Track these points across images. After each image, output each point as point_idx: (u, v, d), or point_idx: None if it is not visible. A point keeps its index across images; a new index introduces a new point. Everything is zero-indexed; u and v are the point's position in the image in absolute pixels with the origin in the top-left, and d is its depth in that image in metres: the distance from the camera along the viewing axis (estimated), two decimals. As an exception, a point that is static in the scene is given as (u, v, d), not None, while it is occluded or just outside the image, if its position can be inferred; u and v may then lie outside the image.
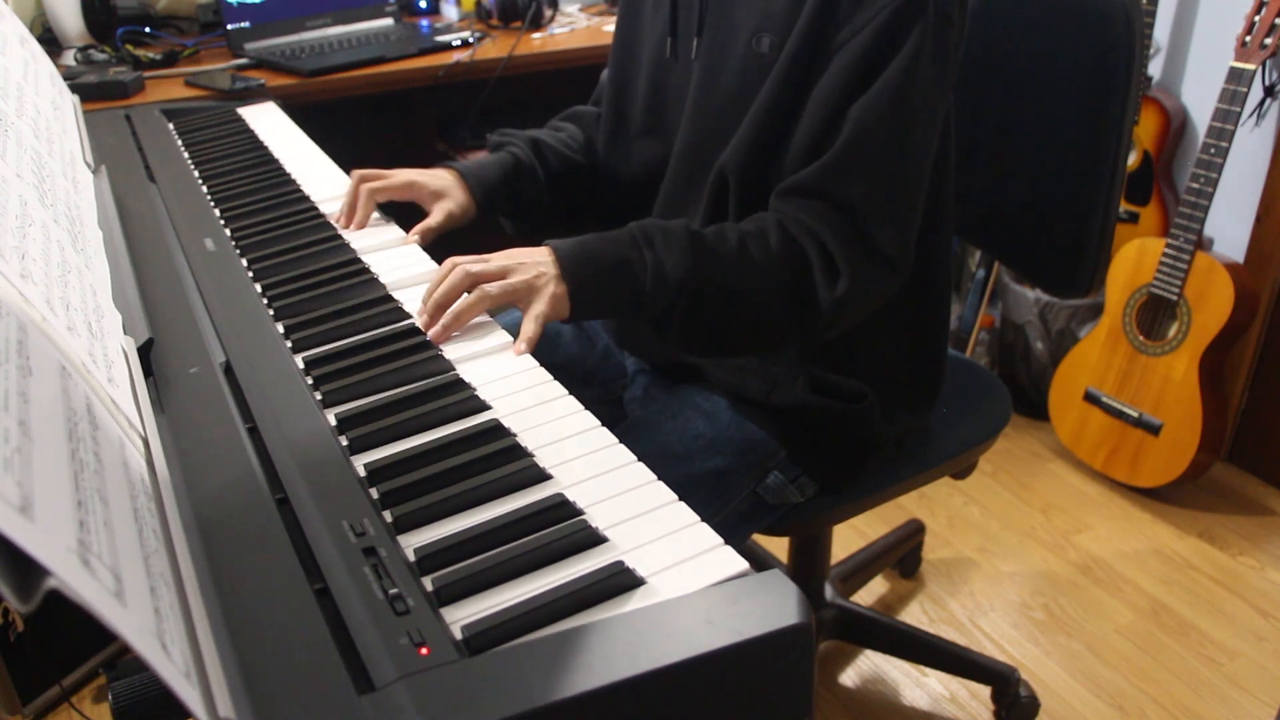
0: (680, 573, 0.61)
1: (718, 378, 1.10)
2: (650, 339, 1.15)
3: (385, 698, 0.52)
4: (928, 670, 1.64)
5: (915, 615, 1.76)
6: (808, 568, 1.51)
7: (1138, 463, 1.99)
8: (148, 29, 2.03)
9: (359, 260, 1.04)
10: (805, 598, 0.58)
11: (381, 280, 1.00)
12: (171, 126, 1.47)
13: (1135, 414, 1.97)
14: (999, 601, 1.78)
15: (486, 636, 0.56)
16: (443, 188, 1.15)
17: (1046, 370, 2.20)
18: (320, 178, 1.28)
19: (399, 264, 1.04)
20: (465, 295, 0.91)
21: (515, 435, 0.75)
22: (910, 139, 0.95)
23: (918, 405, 1.17)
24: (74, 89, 1.41)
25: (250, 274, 1.01)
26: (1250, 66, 1.75)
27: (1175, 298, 1.88)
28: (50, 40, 1.99)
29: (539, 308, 0.90)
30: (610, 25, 2.19)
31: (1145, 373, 1.95)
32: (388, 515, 0.66)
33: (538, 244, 0.95)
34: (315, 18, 2.07)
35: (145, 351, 0.81)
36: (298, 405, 0.78)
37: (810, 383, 1.07)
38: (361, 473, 0.71)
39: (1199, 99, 2.05)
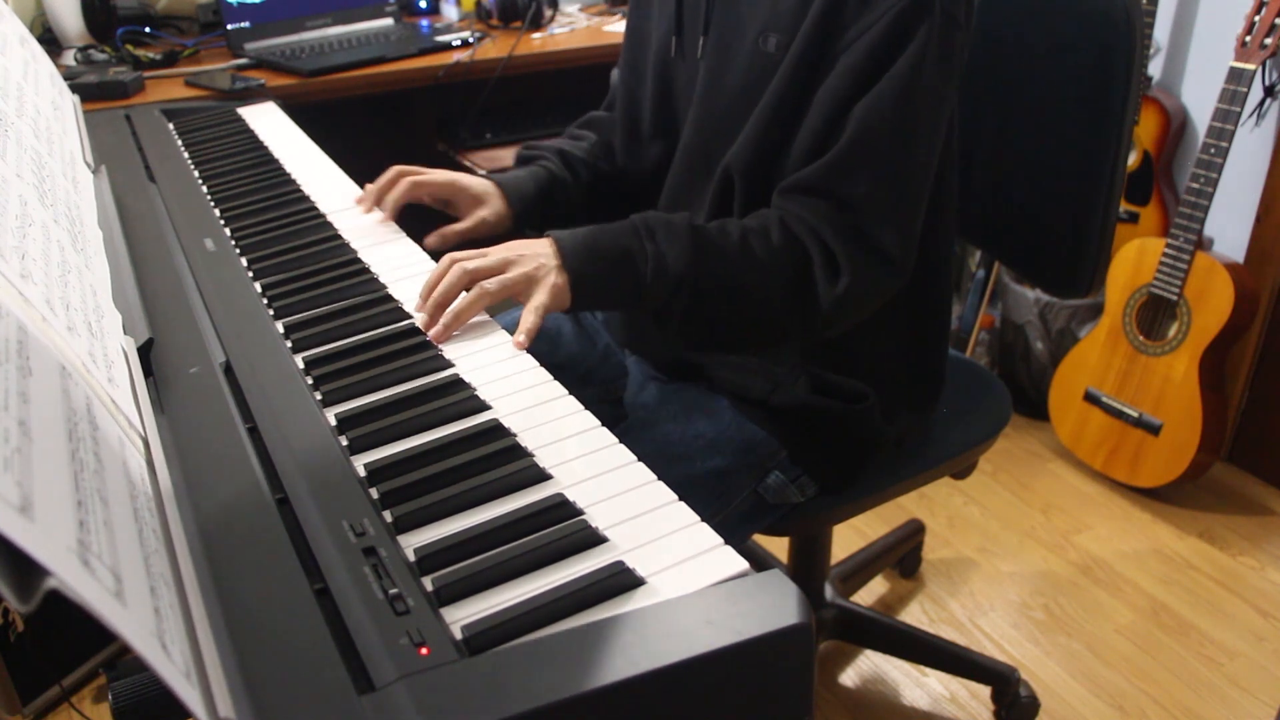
0: (680, 573, 0.61)
1: (719, 377, 1.10)
2: (651, 338, 1.15)
3: (385, 698, 0.52)
4: (928, 670, 1.64)
5: (915, 615, 1.76)
6: (808, 568, 1.51)
7: (1138, 463, 1.99)
8: (148, 29, 2.03)
9: (359, 260, 1.04)
10: (805, 598, 0.58)
11: (381, 280, 1.00)
12: (171, 126, 1.47)
13: (1135, 414, 1.97)
14: (999, 601, 1.78)
15: (486, 636, 0.56)
16: (483, 193, 1.14)
17: (1046, 370, 2.20)
18: (320, 178, 1.28)
19: (399, 264, 1.04)
20: (464, 293, 0.91)
21: (515, 435, 0.75)
22: (914, 139, 0.95)
23: (918, 406, 1.17)
24: (74, 89, 1.41)
25: (250, 274, 1.01)
26: (1250, 66, 1.75)
27: (1175, 298, 1.88)
28: (50, 40, 1.99)
29: (539, 299, 0.89)
30: (610, 25, 2.19)
31: (1145, 373, 1.95)
32: (388, 515, 0.66)
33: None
34: (315, 18, 2.07)
35: (145, 351, 0.81)
36: (298, 405, 0.78)
37: (811, 383, 1.07)
38: (361, 473, 0.71)
39: (1199, 99, 2.05)
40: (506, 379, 0.83)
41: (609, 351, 1.25)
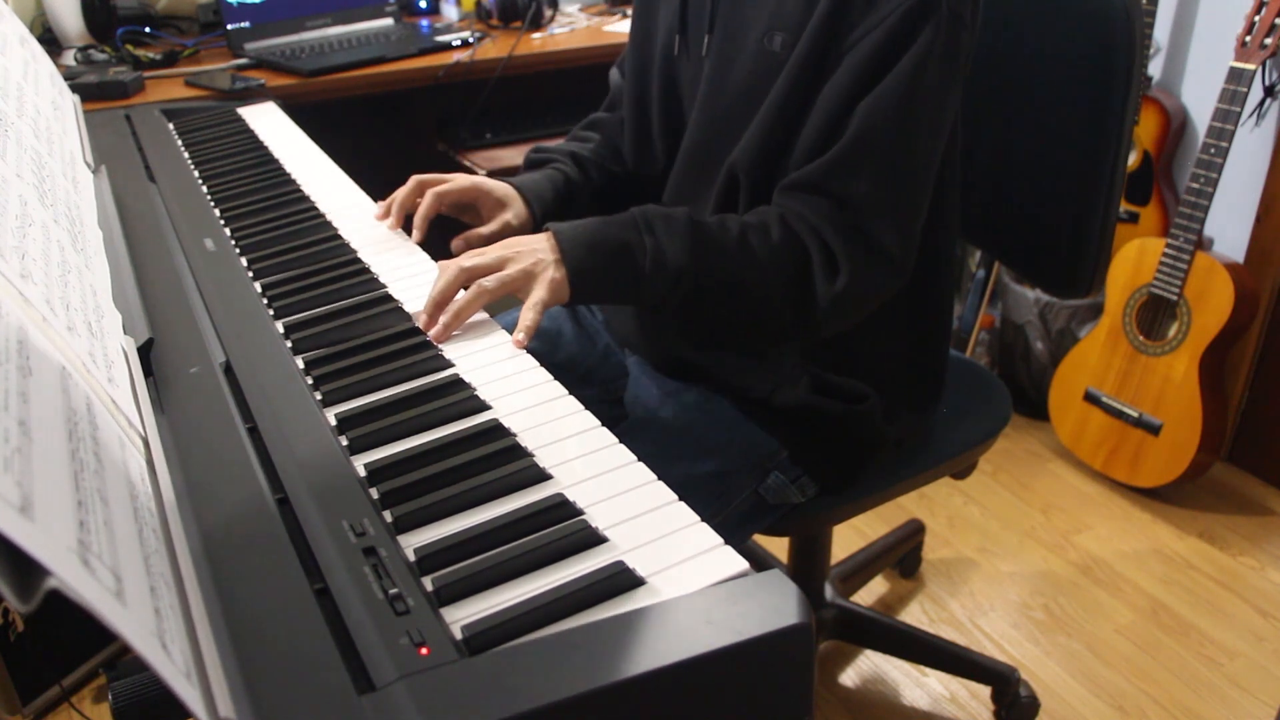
0: (680, 573, 0.61)
1: (719, 378, 1.10)
2: (651, 338, 1.15)
3: (385, 698, 0.52)
4: (928, 670, 1.64)
5: (915, 615, 1.76)
6: (808, 568, 1.51)
7: (1138, 463, 1.99)
8: (148, 29, 2.03)
9: (359, 260, 1.04)
10: (805, 598, 0.58)
11: (381, 280, 1.00)
12: (171, 126, 1.47)
13: (1135, 414, 1.97)
14: (999, 601, 1.78)
15: (486, 636, 0.56)
16: (506, 196, 1.13)
17: (1046, 370, 2.20)
18: (320, 178, 1.28)
19: (399, 264, 1.04)
20: (463, 292, 0.90)
21: (515, 435, 0.75)
22: (916, 138, 0.94)
23: (919, 406, 1.17)
24: (74, 89, 1.41)
25: (250, 274, 1.01)
26: (1250, 66, 1.75)
27: (1175, 298, 1.88)
28: (50, 40, 1.99)
29: (538, 295, 0.89)
30: (610, 25, 2.19)
31: (1145, 373, 1.95)
32: (388, 515, 0.66)
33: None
34: (315, 18, 2.07)
35: (145, 351, 0.81)
36: (298, 405, 0.78)
37: (812, 383, 1.07)
38: (361, 473, 0.71)
39: (1199, 99, 2.05)
40: (506, 379, 0.83)
41: (609, 351, 1.25)
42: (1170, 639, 1.70)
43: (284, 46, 1.98)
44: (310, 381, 0.82)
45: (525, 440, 0.74)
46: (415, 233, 1.09)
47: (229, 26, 1.96)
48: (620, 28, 2.17)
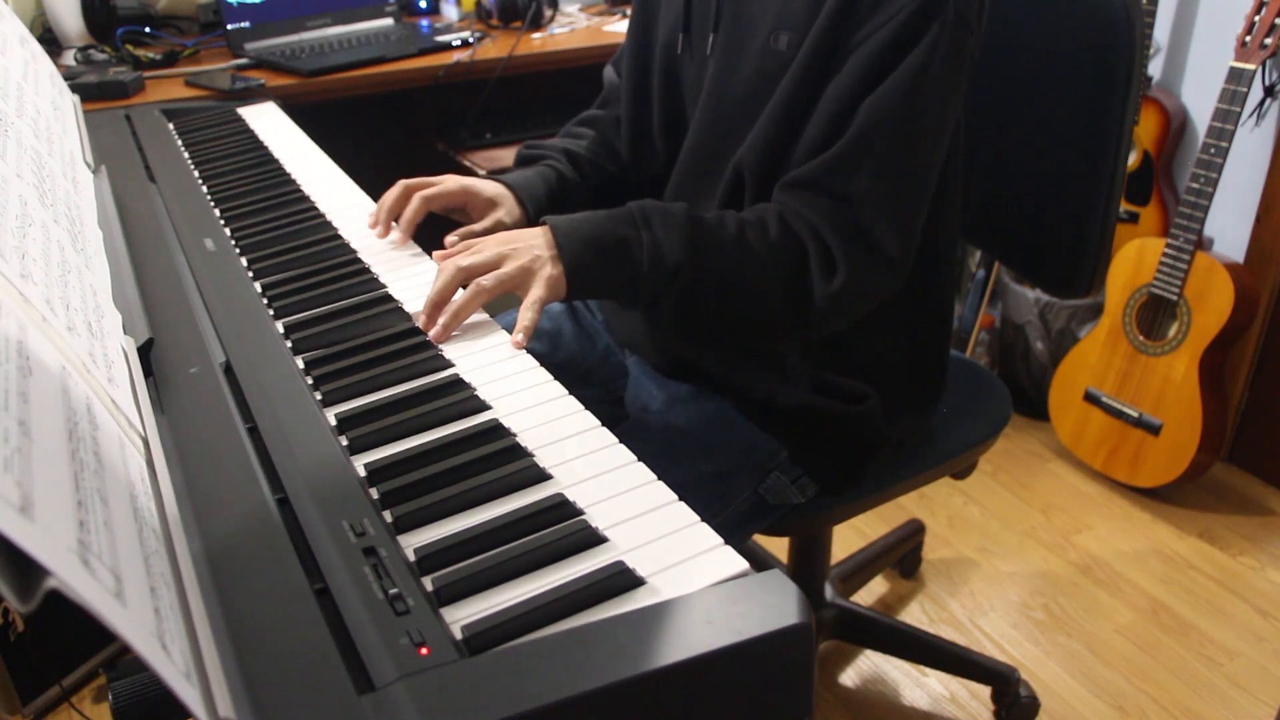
0: (680, 573, 0.61)
1: (719, 378, 1.10)
2: (651, 338, 1.15)
3: (385, 698, 0.52)
4: (928, 670, 1.64)
5: (915, 615, 1.76)
6: (808, 568, 1.51)
7: (1138, 463, 1.99)
8: (148, 29, 2.03)
9: (359, 260, 1.04)
10: (805, 598, 0.58)
11: (381, 280, 1.00)
12: (171, 126, 1.47)
13: (1135, 414, 1.97)
14: (999, 601, 1.78)
15: (486, 636, 0.56)
16: (497, 196, 1.12)
17: (1046, 370, 2.20)
18: (320, 178, 1.28)
19: (399, 264, 1.04)
20: (461, 291, 0.90)
21: (515, 435, 0.75)
22: (918, 138, 0.94)
23: (920, 407, 1.17)
24: (74, 89, 1.41)
25: (250, 274, 1.01)
26: (1250, 66, 1.75)
27: (1175, 298, 1.88)
28: (50, 40, 1.99)
29: (536, 292, 0.89)
30: (610, 25, 2.19)
31: (1145, 373, 1.95)
32: (388, 515, 0.66)
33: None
34: (315, 18, 2.07)
35: (145, 351, 0.81)
36: (298, 405, 0.78)
37: (812, 383, 1.07)
38: (361, 473, 0.71)
39: (1199, 99, 2.05)
40: (506, 379, 0.83)
41: (609, 351, 1.25)
42: (1170, 639, 1.70)
43: (284, 46, 1.98)
44: (310, 381, 0.82)
45: (525, 440, 0.74)
46: (400, 236, 1.08)
47: (229, 26, 1.96)
48: (620, 28, 2.17)
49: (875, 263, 0.95)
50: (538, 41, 2.09)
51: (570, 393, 0.81)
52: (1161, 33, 2.08)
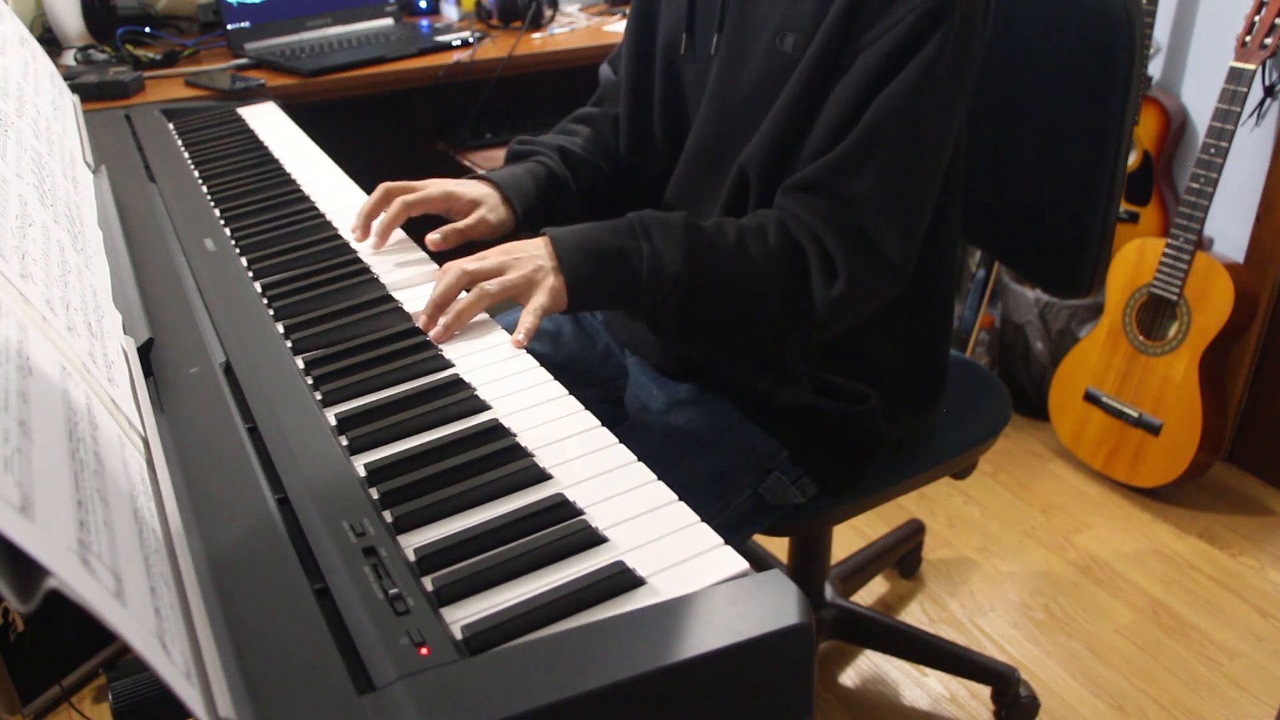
0: (680, 573, 0.61)
1: (720, 378, 1.10)
2: (651, 338, 1.15)
3: (385, 698, 0.52)
4: (928, 670, 1.64)
5: (915, 615, 1.76)
6: (808, 568, 1.51)
7: (1138, 463, 1.99)
8: (148, 29, 2.03)
9: (359, 260, 1.04)
10: (805, 598, 0.58)
11: (381, 280, 1.00)
12: (171, 126, 1.47)
13: (1135, 414, 1.97)
14: (999, 601, 1.78)
15: (486, 636, 0.56)
16: (480, 197, 1.10)
17: (1046, 370, 2.20)
18: (320, 178, 1.28)
19: (399, 264, 1.04)
20: (464, 294, 0.91)
21: (515, 435, 0.75)
22: (923, 141, 0.94)
23: (920, 407, 1.17)
24: (74, 89, 1.41)
25: (250, 274, 1.01)
26: (1250, 66, 1.75)
27: (1175, 298, 1.88)
28: (50, 40, 1.99)
29: (538, 300, 0.89)
30: (610, 25, 2.19)
31: (1145, 373, 1.95)
32: (388, 515, 0.66)
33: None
34: (315, 18, 2.07)
35: (145, 351, 0.81)
36: (298, 405, 0.78)
37: (813, 384, 1.07)
38: (361, 473, 0.71)
39: (1199, 99, 2.05)
40: (506, 379, 0.83)
41: (609, 351, 1.25)
42: (1170, 639, 1.70)
43: (284, 46, 1.98)
44: (310, 381, 0.82)
45: (525, 440, 0.74)
46: (375, 240, 1.07)
47: (229, 26, 1.96)
48: (620, 27, 2.17)
49: (876, 266, 0.95)
50: (538, 41, 2.09)
51: (570, 393, 0.81)
52: (1161, 33, 2.08)
